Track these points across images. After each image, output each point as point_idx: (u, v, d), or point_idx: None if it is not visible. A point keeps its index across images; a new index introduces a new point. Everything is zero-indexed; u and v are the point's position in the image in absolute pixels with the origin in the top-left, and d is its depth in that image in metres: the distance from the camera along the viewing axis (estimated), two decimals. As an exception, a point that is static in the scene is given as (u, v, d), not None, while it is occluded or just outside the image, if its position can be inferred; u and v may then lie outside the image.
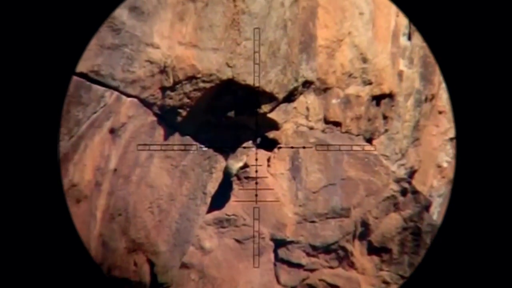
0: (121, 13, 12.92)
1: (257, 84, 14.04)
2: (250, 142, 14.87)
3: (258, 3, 13.95)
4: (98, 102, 12.99)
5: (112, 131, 13.23)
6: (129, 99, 13.27)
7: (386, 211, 15.57)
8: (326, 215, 15.16)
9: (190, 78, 13.52)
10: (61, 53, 12.10)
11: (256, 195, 14.67)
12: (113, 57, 12.96)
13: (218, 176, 14.60)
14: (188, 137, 14.10)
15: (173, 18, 13.33)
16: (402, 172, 16.61)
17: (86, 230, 13.14)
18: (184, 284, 14.42)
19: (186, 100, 13.68)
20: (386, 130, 16.48)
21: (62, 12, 12.14)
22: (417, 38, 16.69)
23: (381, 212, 15.51)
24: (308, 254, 15.13)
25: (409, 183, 15.88)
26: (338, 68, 15.55)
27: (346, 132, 15.69)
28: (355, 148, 15.41)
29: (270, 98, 14.50)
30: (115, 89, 13.11)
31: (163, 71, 13.30)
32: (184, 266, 14.37)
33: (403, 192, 15.65)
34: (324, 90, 15.42)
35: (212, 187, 14.53)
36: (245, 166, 14.74)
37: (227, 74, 13.80)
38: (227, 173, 14.69)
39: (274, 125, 14.95)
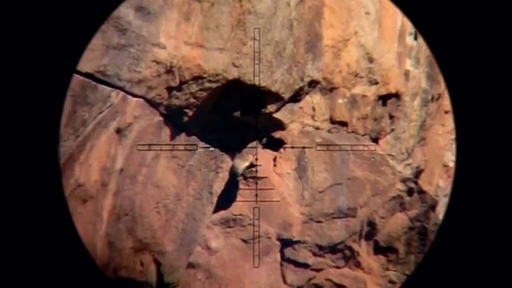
0: (127, 13, 12.92)
1: (256, 83, 14.03)
2: (256, 142, 14.88)
3: (264, 3, 13.95)
4: (104, 102, 12.99)
5: (118, 131, 13.23)
6: (135, 99, 13.27)
7: (392, 211, 15.57)
8: (333, 214, 15.16)
9: (196, 78, 13.52)
10: (61, 52, 12.08)
11: (256, 195, 14.68)
12: (119, 57, 12.96)
13: (224, 176, 14.60)
14: (194, 137, 14.10)
15: (179, 18, 13.32)
16: (408, 172, 16.61)
17: (92, 230, 13.14)
18: (191, 284, 14.43)
19: (192, 100, 13.68)
20: (392, 130, 16.47)
21: (62, 10, 12.13)
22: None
23: (387, 212, 15.51)
24: (314, 254, 15.14)
25: (415, 182, 15.87)
26: (344, 67, 15.55)
27: (352, 132, 15.69)
28: (359, 148, 15.40)
29: (276, 98, 14.50)
30: (121, 89, 13.11)
31: (169, 71, 13.30)
32: (190, 266, 14.38)
33: (409, 191, 15.64)
34: (330, 90, 15.42)
35: (218, 187, 14.54)
36: (251, 165, 14.75)
37: (233, 74, 13.80)
38: (233, 173, 14.69)
39: (280, 125, 14.95)
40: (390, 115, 16.35)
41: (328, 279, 15.32)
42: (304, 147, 15.03)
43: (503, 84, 13.02)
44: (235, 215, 14.68)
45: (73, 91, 12.53)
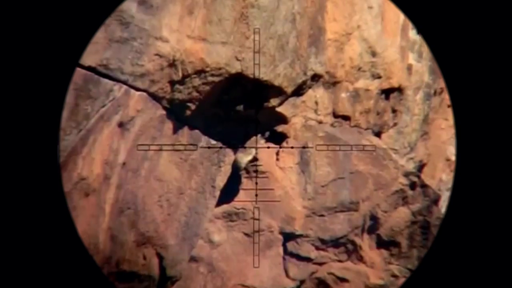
0: (130, 7, 12.91)
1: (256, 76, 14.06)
2: (259, 136, 14.88)
3: (267, -4, 13.97)
4: (107, 95, 12.98)
5: (120, 124, 13.23)
6: (138, 93, 13.26)
7: (395, 204, 15.58)
8: (335, 208, 15.17)
9: (199, 72, 13.51)
10: (64, 46, 12.08)
11: (256, 195, 14.69)
12: (122, 51, 12.95)
13: (227, 170, 14.60)
14: (197, 131, 14.10)
15: (182, 11, 13.30)
16: (411, 166, 16.60)
17: (94, 223, 13.15)
18: (193, 277, 14.44)
19: (195, 94, 13.67)
20: (395, 124, 16.47)
21: (65, 4, 12.12)
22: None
23: (390, 206, 15.52)
24: (317, 248, 15.15)
25: (418, 176, 15.88)
26: (347, 61, 15.54)
27: (355, 126, 15.69)
28: (359, 148, 15.41)
29: (279, 92, 14.49)
30: (124, 82, 13.09)
31: (172, 64, 13.29)
32: (193, 259, 14.39)
33: (412, 185, 15.65)
34: (333, 83, 15.41)
35: (221, 181, 14.54)
36: (254, 159, 14.75)
37: (236, 67, 13.79)
38: (236, 167, 14.70)
39: (283, 119, 14.95)
40: (393, 109, 16.34)
41: (330, 273, 15.33)
42: (305, 147, 15.03)
43: (503, 79, 13.01)
44: (237, 208, 14.69)
45: (75, 84, 12.52)
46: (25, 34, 11.79)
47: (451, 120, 17.85)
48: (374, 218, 15.44)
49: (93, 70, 12.80)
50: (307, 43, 14.77)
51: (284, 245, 15.03)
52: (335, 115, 15.53)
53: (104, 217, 13.27)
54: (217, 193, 14.53)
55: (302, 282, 15.21)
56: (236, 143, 14.62)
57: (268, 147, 14.89)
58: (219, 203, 14.62)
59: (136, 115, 13.36)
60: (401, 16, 16.38)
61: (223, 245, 14.63)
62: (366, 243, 15.52)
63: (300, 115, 15.13)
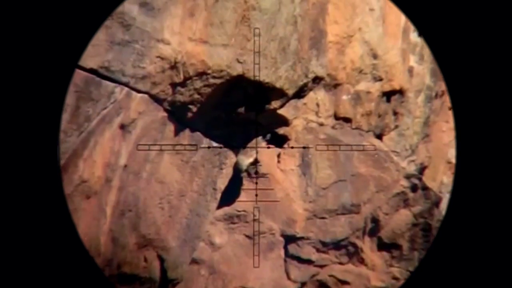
0: (131, 9, 12.92)
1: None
2: (260, 138, 14.88)
3: (269, -1, 13.98)
4: (108, 98, 12.99)
5: (122, 127, 13.24)
6: (140, 95, 13.27)
7: (396, 207, 15.57)
8: (336, 211, 15.17)
9: (201, 74, 13.52)
10: (65, 48, 12.08)
11: (256, 195, 14.69)
12: (124, 53, 12.96)
13: (228, 172, 14.61)
14: (198, 133, 14.11)
15: (184, 14, 13.32)
16: (412, 168, 16.60)
17: (96, 226, 13.15)
18: (194, 279, 14.44)
19: (196, 96, 13.68)
20: (397, 126, 16.47)
21: (66, 5, 12.12)
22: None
23: (391, 208, 15.51)
24: (318, 250, 15.15)
25: (419, 179, 15.87)
26: (348, 64, 15.54)
27: (356, 128, 15.69)
28: (360, 148, 15.41)
29: (280, 94, 14.50)
30: (126, 85, 13.11)
31: (173, 67, 13.30)
32: (194, 261, 14.39)
33: (413, 188, 15.64)
34: (334, 86, 15.41)
35: (222, 183, 14.54)
36: (256, 161, 14.75)
37: (237, 70, 13.80)
38: (237, 169, 14.70)
39: (284, 121, 14.95)
40: (394, 111, 16.34)
41: (331, 275, 15.33)
42: (305, 147, 15.03)
43: (504, 81, 13.01)
44: (238, 211, 14.69)
45: (77, 86, 12.53)
46: (25, 35, 11.80)
47: (452, 123, 17.84)
48: (375, 221, 15.44)
49: (95, 72, 12.81)
50: (308, 45, 14.78)
51: (285, 247, 15.03)
52: (336, 117, 15.53)
53: (105, 219, 13.28)
54: (218, 196, 14.53)
55: (303, 284, 15.21)
56: (237, 145, 14.63)
57: (268, 147, 14.89)
58: (220, 205, 14.62)
59: (138, 117, 13.37)
60: (403, 19, 16.38)
61: (224, 247, 14.63)
62: (367, 245, 15.51)
63: (301, 117, 15.13)
